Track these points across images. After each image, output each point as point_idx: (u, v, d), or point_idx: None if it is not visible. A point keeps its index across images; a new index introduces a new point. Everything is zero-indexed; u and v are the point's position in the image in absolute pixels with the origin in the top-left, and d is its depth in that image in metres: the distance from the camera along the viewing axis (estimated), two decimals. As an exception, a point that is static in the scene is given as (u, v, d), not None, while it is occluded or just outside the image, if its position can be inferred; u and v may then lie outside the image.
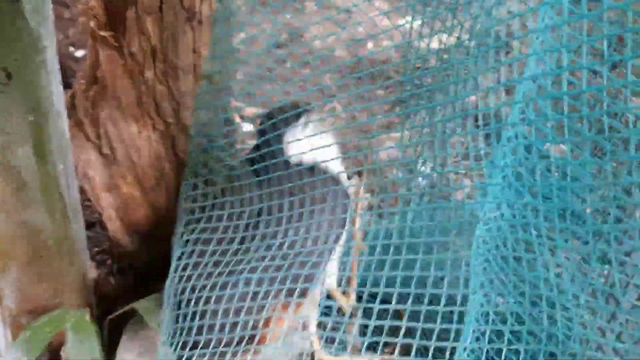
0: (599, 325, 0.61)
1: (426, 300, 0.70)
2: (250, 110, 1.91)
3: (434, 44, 0.87)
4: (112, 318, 0.97)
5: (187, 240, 0.85)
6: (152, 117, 0.95)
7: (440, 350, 0.64)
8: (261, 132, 0.89)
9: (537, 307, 0.64)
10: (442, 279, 0.74)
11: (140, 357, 0.93)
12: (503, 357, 0.65)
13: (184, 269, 0.82)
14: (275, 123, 0.84)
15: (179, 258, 0.84)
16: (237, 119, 1.95)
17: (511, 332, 0.66)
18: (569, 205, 0.57)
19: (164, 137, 0.97)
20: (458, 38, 0.84)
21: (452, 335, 0.66)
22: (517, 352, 0.66)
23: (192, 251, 0.84)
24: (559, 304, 0.60)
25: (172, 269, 0.83)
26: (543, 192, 0.60)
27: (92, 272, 1.01)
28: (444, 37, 0.86)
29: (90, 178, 0.96)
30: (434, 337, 0.64)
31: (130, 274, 1.06)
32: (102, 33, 0.89)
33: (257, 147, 0.89)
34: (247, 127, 1.86)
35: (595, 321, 0.59)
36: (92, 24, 0.90)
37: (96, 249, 1.18)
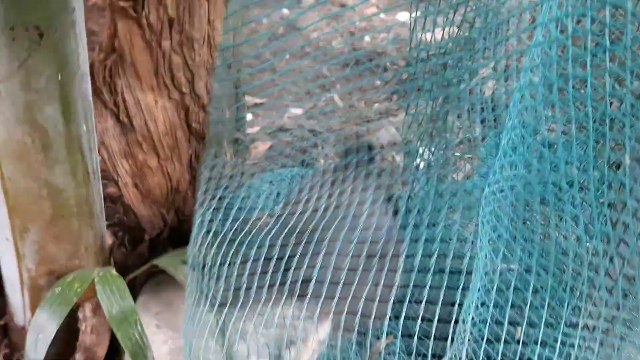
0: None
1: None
2: (252, 100, 1.95)
3: (437, 35, 0.93)
4: (130, 280, 1.00)
5: (208, 208, 0.88)
6: (167, 87, 0.99)
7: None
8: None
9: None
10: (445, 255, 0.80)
11: (157, 317, 0.96)
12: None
13: (206, 234, 0.84)
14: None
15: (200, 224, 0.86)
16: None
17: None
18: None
19: (178, 107, 1.01)
20: (459, 30, 0.89)
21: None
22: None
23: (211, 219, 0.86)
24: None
25: (193, 234, 0.86)
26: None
27: (108, 239, 1.04)
28: (446, 29, 0.91)
29: (107, 145, 0.99)
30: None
31: (144, 241, 1.09)
32: (122, 3, 0.93)
33: None
34: (247, 117, 1.90)
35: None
36: (111, -5, 0.93)
37: (107, 222, 1.21)
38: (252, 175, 1.06)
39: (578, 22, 0.57)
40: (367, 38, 1.99)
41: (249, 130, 1.77)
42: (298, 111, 1.90)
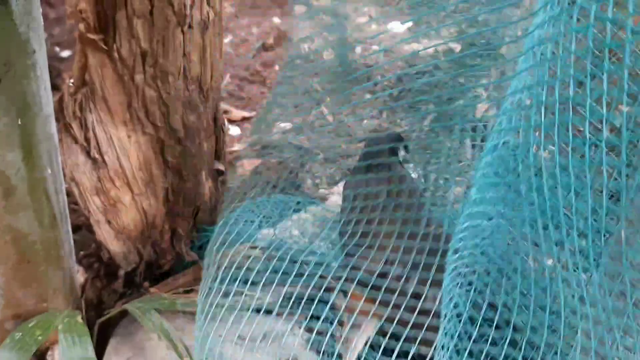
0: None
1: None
2: (239, 114, 1.91)
3: (422, 49, 0.89)
4: (103, 321, 0.97)
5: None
6: (141, 121, 0.95)
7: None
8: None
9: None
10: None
11: (129, 362, 0.92)
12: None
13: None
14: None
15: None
16: (225, 123, 1.95)
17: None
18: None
19: (153, 142, 0.97)
20: (446, 44, 0.85)
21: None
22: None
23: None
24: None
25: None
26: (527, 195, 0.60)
27: (79, 277, 1.01)
28: (432, 42, 0.87)
29: (78, 181, 0.96)
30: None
31: (119, 277, 1.05)
32: (92, 36, 0.89)
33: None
34: (235, 131, 1.86)
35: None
36: (81, 26, 0.89)
37: (82, 252, 1.17)
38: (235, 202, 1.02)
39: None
40: (357, 49, 1.95)
41: (236, 147, 1.73)
42: (287, 126, 1.86)
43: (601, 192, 0.51)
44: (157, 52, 0.92)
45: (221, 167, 1.11)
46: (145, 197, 1.00)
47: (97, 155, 0.94)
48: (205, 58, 0.96)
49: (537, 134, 0.59)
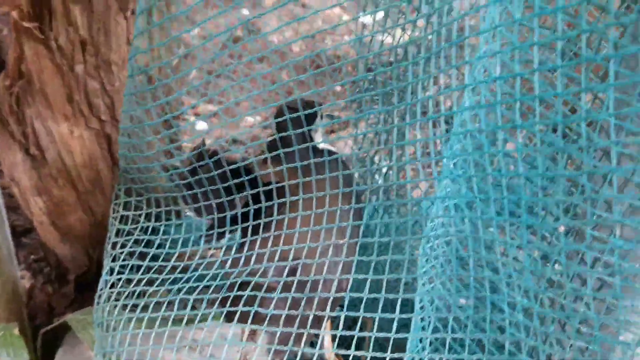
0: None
1: (380, 304, 0.66)
2: (206, 108, 1.85)
3: (388, 40, 0.83)
4: (47, 331, 0.91)
5: (121, 253, 0.79)
6: (84, 115, 0.89)
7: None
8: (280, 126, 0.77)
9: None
10: (396, 280, 0.70)
11: (74, 374, 0.87)
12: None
13: (113, 285, 0.76)
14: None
15: (110, 273, 0.77)
16: (192, 117, 1.89)
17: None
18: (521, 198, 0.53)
19: (98, 136, 0.91)
20: (413, 33, 0.80)
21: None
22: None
23: (124, 265, 0.77)
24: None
25: (101, 282, 0.77)
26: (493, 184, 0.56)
27: (25, 283, 0.95)
28: (399, 32, 0.82)
29: (17, 181, 0.89)
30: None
31: (69, 282, 0.99)
32: (26, 24, 0.83)
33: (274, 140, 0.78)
34: (202, 125, 1.80)
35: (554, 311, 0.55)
36: (14, 14, 0.83)
37: (33, 256, 1.11)
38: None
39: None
40: (327, 41, 1.89)
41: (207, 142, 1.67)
42: (254, 119, 1.80)
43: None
44: (98, 40, 0.86)
45: (176, 162, 1.05)
46: (92, 195, 0.94)
47: (36, 152, 0.88)
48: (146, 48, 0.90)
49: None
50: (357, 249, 0.72)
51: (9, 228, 0.90)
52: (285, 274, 0.69)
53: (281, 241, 0.71)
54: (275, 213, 0.73)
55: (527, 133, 0.63)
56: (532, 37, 0.45)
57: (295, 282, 0.68)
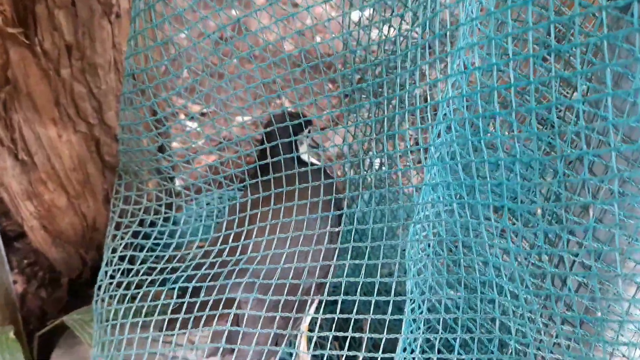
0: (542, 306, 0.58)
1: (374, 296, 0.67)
2: (196, 108, 1.85)
3: (375, 35, 0.84)
4: (43, 333, 0.91)
5: (118, 245, 0.80)
6: (72, 119, 0.89)
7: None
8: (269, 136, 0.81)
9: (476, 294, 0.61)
10: (390, 274, 0.72)
11: (70, 374, 0.87)
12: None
13: (112, 276, 0.77)
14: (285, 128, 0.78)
15: (108, 264, 0.79)
16: (182, 116, 1.89)
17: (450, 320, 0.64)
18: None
19: (87, 140, 0.92)
20: (400, 28, 0.81)
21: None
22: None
23: (123, 257, 0.79)
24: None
25: (100, 273, 0.78)
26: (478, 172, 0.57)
27: (17, 287, 0.95)
28: (386, 27, 0.83)
29: (7, 186, 0.90)
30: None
31: (63, 285, 1.00)
32: (11, 30, 0.83)
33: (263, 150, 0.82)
34: (192, 125, 1.80)
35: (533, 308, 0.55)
36: (-1, 20, 0.83)
37: (26, 261, 1.12)
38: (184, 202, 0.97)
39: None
40: (317, 38, 1.90)
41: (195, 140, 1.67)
42: (246, 119, 1.80)
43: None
44: (84, 44, 0.86)
45: (166, 164, 1.05)
46: (83, 199, 0.94)
47: (25, 157, 0.89)
48: (138, 49, 0.91)
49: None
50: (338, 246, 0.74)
51: (0, 233, 0.90)
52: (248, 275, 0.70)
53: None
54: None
55: (507, 124, 0.64)
56: (506, 29, 0.45)
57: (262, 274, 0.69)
